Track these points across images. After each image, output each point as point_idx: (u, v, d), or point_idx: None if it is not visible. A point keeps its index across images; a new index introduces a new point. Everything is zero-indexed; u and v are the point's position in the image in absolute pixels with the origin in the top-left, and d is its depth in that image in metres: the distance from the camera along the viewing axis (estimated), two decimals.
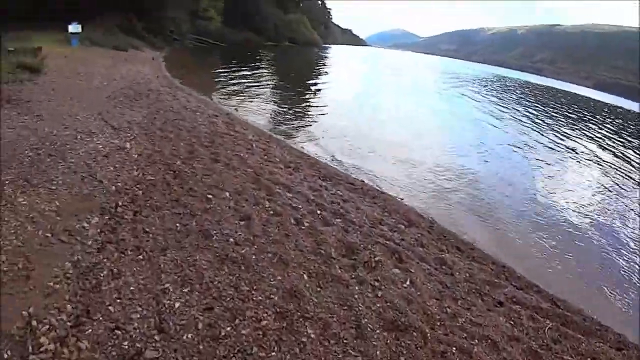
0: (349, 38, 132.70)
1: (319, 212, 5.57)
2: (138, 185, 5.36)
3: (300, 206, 5.64)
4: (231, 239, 4.38)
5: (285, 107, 14.46)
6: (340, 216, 5.54)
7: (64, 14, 22.71)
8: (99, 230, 4.07)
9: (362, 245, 4.65)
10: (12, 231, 3.66)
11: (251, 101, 14.43)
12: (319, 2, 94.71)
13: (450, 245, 5.36)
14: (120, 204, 4.80)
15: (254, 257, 4.11)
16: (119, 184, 5.31)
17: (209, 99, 12.81)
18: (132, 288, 3.31)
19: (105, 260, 3.58)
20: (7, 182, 4.77)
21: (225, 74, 21.13)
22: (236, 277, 3.74)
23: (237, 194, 5.66)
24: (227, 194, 5.62)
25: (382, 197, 6.99)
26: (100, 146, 6.33)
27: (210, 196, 5.40)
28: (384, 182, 8.08)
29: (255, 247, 4.33)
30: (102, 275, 3.38)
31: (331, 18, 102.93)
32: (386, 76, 35.73)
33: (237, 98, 14.51)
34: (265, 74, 24.94)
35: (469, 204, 7.47)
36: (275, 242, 4.49)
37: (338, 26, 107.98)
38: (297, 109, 14.48)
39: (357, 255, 4.43)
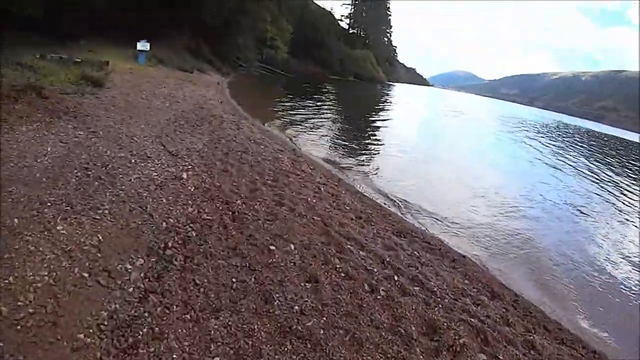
0: (413, 76, 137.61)
1: (396, 277, 5.21)
2: (192, 225, 5.33)
3: (375, 269, 5.29)
4: (296, 307, 4.08)
5: (349, 145, 14.73)
6: (420, 284, 5.21)
7: (134, 31, 25.64)
8: (142, 275, 3.98)
9: (445, 323, 4.39)
10: (46, 265, 3.68)
11: (315, 135, 14.89)
12: (385, 40, 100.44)
13: (538, 324, 5.23)
14: (170, 244, 4.76)
15: (322, 332, 3.77)
16: (171, 220, 5.32)
17: (274, 130, 13.15)
18: (174, 356, 3.07)
19: (146, 314, 3.43)
20: (49, 203, 4.96)
21: (290, 104, 22.07)
22: (301, 357, 3.39)
23: (304, 248, 5.42)
24: (292, 246, 5.40)
25: (462, 260, 6.71)
26: (155, 174, 6.52)
27: (272, 247, 5.21)
28: (459, 240, 8.02)
29: (324, 319, 3.99)
30: (141, 333, 3.21)
31: (396, 56, 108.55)
32: (447, 117, 35.96)
33: (302, 131, 14.92)
34: (329, 107, 25.90)
35: (550, 272, 7.53)
36: (348, 315, 4.14)
37: (402, 64, 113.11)
38: (361, 147, 14.80)
39: (440, 335, 4.18)
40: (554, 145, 28.91)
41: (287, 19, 57.05)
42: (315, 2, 70.57)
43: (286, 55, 53.06)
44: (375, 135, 18.40)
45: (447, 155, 17.10)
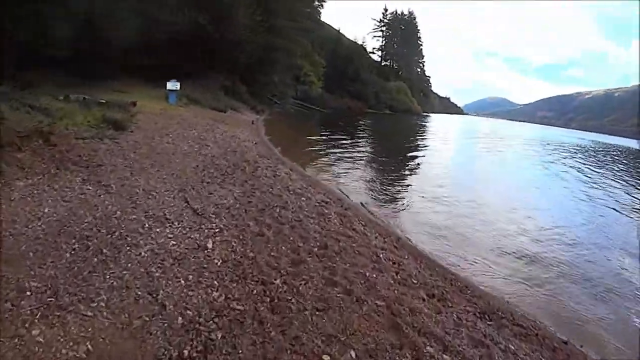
0: (447, 106, 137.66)
1: None
2: (217, 319, 4.06)
3: None
4: None
5: (392, 187, 13.31)
6: None
7: (167, 71, 25.68)
8: None
9: None
10: None
11: (357, 177, 13.64)
12: (418, 70, 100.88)
13: None
14: (186, 353, 3.50)
15: None
16: (189, 312, 4.08)
17: (314, 176, 11.90)
18: None
19: None
20: (29, 291, 3.84)
21: (328, 142, 21.06)
22: None
23: (369, 356, 4.00)
24: (353, 353, 3.99)
25: (565, 349, 5.16)
26: (173, 242, 5.34)
27: (326, 358, 3.83)
28: (549, 314, 6.38)
29: None
30: None
31: (430, 86, 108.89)
32: (485, 146, 33.84)
33: (342, 173, 13.65)
34: (367, 144, 24.68)
35: None
36: None
37: (436, 94, 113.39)
38: (403, 188, 13.41)
39: None
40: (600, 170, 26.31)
41: (319, 53, 57.68)
42: (346, 35, 71.49)
43: (320, 90, 53.23)
44: (415, 173, 16.92)
45: (493, 190, 15.63)
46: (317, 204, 8.32)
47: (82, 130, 10.11)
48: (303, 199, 8.37)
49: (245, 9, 29.81)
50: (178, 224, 5.99)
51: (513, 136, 48.61)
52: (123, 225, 5.50)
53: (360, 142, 24.23)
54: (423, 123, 57.64)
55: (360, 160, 17.70)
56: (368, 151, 21.18)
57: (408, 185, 13.87)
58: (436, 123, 63.04)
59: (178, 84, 21.00)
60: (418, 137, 34.03)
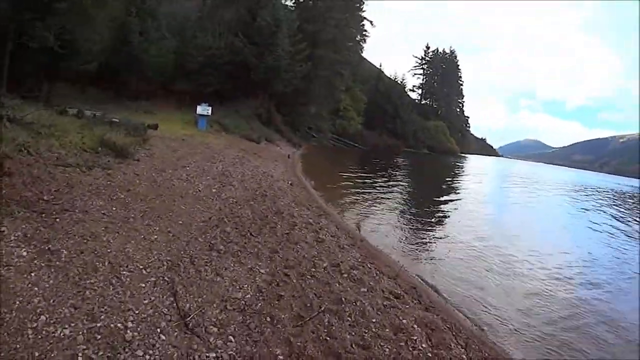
0: (483, 147, 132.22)
1: None
2: None
3: None
4: None
5: (445, 240, 9.98)
6: None
7: (201, 95, 23.58)
8: None
9: None
10: None
11: (406, 226, 10.46)
12: (457, 110, 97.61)
13: None
14: None
15: None
16: None
17: (369, 236, 8.81)
18: None
19: None
20: None
21: (369, 183, 17.98)
22: None
23: None
24: None
25: None
26: None
27: None
28: None
29: None
30: None
31: (469, 126, 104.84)
32: (521, 191, 29.48)
33: (409, 234, 10.36)
34: (409, 186, 21.31)
35: None
36: None
37: (473, 135, 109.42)
38: (455, 242, 10.16)
39: None
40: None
41: (360, 88, 55.45)
42: (386, 72, 69.06)
43: (360, 127, 50.66)
44: (453, 222, 13.29)
45: (533, 239, 12.51)
46: (385, 300, 5.19)
47: (69, 155, 7.52)
48: (363, 289, 5.29)
49: (288, 36, 27.79)
50: (142, 355, 3.07)
51: (548, 181, 44.35)
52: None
53: (402, 184, 21.05)
54: (461, 164, 53.88)
55: (405, 205, 14.58)
56: (410, 194, 17.96)
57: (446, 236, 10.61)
58: (473, 164, 59.12)
59: (209, 108, 18.62)
60: (456, 180, 30.36)
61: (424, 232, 10.81)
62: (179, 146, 12.49)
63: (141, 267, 4.40)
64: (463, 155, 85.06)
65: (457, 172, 38.81)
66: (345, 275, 5.58)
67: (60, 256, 4.13)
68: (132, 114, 18.51)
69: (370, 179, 19.72)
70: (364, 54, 57.64)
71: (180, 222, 6.03)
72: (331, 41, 35.57)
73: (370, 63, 70.55)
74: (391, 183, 20.15)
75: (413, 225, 11.38)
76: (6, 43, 12.24)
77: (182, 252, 5.03)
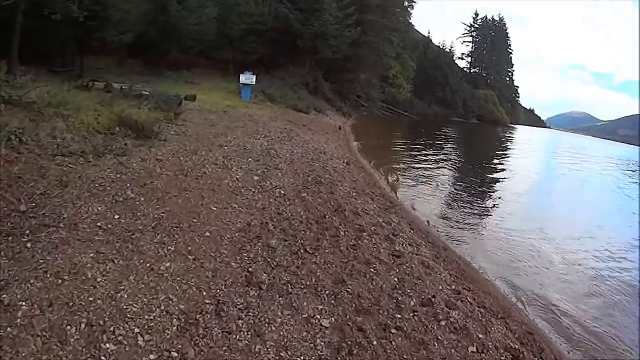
0: (531, 118, 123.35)
1: None
2: None
3: None
4: None
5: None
6: None
7: (246, 64, 21.77)
8: None
9: None
10: None
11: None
12: (507, 80, 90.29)
13: None
14: None
15: None
16: None
17: (453, 245, 6.79)
18: None
19: None
20: None
21: (429, 159, 15.59)
22: None
23: None
24: None
25: None
26: None
27: None
28: None
29: None
30: None
31: (518, 97, 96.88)
32: (572, 166, 25.77)
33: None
34: (468, 163, 18.56)
35: None
36: None
37: (521, 105, 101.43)
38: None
39: None
40: None
41: (409, 56, 51.97)
42: (434, 41, 64.38)
43: (409, 95, 47.59)
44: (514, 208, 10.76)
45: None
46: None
47: (76, 140, 5.93)
48: (472, 349, 3.38)
49: (335, 1, 25.21)
50: None
51: (598, 156, 40.06)
52: None
53: (457, 159, 18.52)
54: (512, 136, 49.64)
55: (466, 186, 12.32)
56: (467, 173, 15.50)
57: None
58: (524, 136, 54.40)
59: (254, 77, 16.79)
60: (510, 155, 27.04)
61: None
62: (219, 120, 10.79)
63: (137, 330, 2.70)
64: (513, 126, 79.54)
65: (510, 145, 35.05)
66: (444, 323, 3.65)
67: (14, 318, 2.51)
68: (173, 85, 17.06)
69: (424, 154, 17.37)
70: (412, 21, 53.27)
71: (208, 233, 4.29)
72: (380, 6, 32.54)
73: (417, 31, 65.88)
74: (446, 159, 17.75)
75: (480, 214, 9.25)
76: (16, 16, 10.78)
77: (204, 293, 3.28)
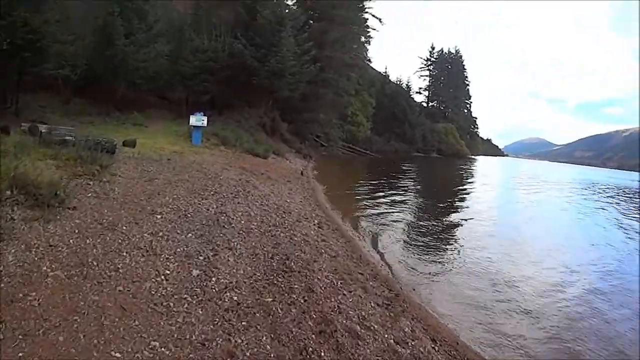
0: (488, 147, 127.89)
1: None
2: None
3: None
4: None
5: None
6: None
7: (197, 103, 19.68)
8: None
9: None
10: None
11: None
12: (465, 111, 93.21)
13: None
14: None
15: None
16: None
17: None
18: None
19: None
20: None
21: (400, 206, 13.84)
22: None
23: None
24: None
25: None
26: None
27: None
28: None
29: None
30: None
31: (477, 128, 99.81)
32: (529, 193, 26.33)
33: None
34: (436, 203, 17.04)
35: None
36: None
37: (479, 135, 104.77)
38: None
39: None
40: None
41: (368, 92, 51.41)
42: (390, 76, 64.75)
43: (369, 132, 46.60)
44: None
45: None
46: None
47: None
48: None
49: (293, 35, 23.75)
50: None
51: (554, 180, 40.67)
52: None
53: (422, 199, 17.03)
54: (473, 168, 49.68)
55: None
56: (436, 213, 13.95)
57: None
58: (482, 166, 54.88)
59: (205, 118, 14.66)
60: (472, 187, 26.16)
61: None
62: (159, 171, 8.59)
63: None
64: (473, 157, 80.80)
65: (470, 179, 34.40)
66: None
67: None
68: (117, 127, 14.72)
69: (392, 198, 15.59)
70: (369, 56, 52.84)
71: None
72: (338, 41, 31.49)
73: (372, 67, 66.14)
74: (417, 202, 16.13)
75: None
76: None
77: None
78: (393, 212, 12.49)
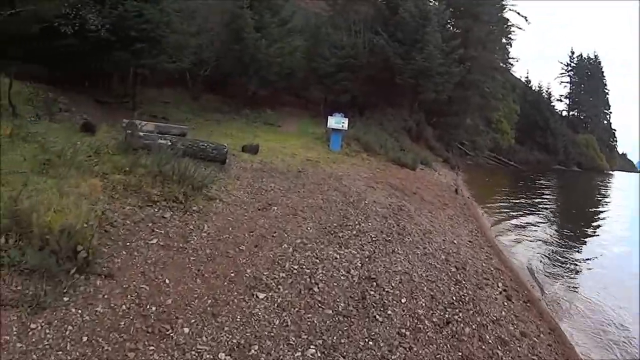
0: (622, 163, 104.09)
1: None
2: None
3: None
4: None
5: None
6: None
7: (335, 103, 17.45)
8: None
9: None
10: None
11: None
12: (604, 122, 76.58)
13: None
14: None
15: None
16: None
17: None
18: None
19: None
20: None
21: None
22: None
23: None
24: None
25: None
26: None
27: None
28: None
29: None
30: None
31: (616, 140, 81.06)
32: None
33: None
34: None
35: None
36: None
37: (617, 149, 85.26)
38: None
39: None
40: None
41: (512, 98, 44.99)
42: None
43: (513, 141, 40.99)
44: None
45: None
46: None
47: None
48: None
49: (439, 31, 20.10)
50: None
51: None
52: None
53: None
54: (609, 184, 38.90)
55: None
56: None
57: None
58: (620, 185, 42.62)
59: (345, 120, 12.06)
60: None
61: None
62: (284, 190, 6.20)
63: None
64: (610, 173, 66.73)
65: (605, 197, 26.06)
66: None
67: None
68: (246, 126, 13.24)
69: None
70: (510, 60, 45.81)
71: None
72: (483, 40, 26.82)
73: (511, 73, 58.12)
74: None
75: None
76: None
77: None
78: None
